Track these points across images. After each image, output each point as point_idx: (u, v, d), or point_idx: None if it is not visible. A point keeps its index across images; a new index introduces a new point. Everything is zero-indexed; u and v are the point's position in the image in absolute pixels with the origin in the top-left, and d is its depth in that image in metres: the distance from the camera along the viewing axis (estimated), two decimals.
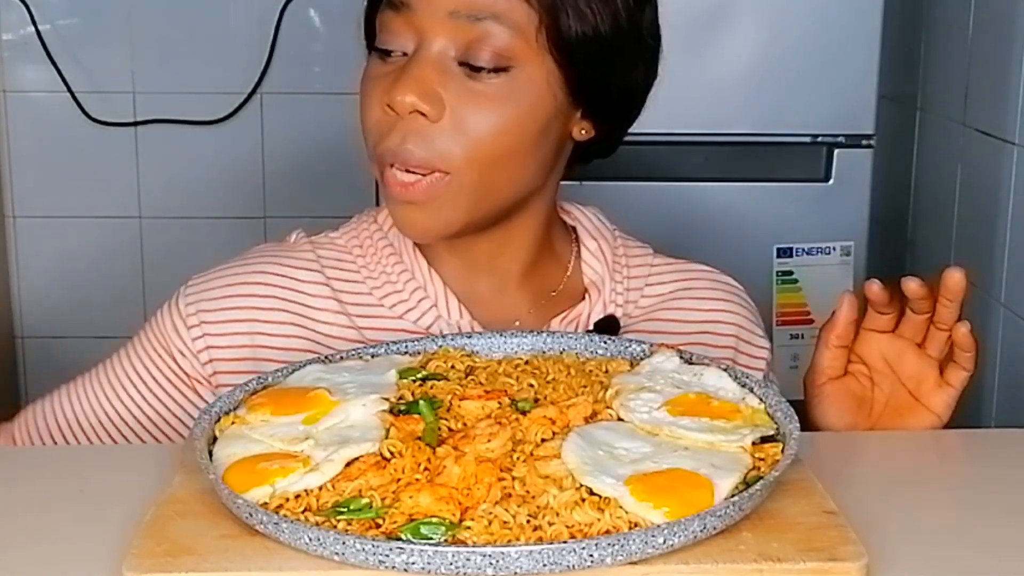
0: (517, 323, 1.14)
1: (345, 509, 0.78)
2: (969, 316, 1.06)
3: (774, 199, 2.15)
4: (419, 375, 0.96)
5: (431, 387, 0.94)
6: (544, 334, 1.04)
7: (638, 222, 1.25)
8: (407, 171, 1.05)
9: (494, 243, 1.14)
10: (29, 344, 2.80)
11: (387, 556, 0.72)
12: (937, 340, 1.08)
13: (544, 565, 0.72)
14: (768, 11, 2.10)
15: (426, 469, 0.82)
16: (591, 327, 1.15)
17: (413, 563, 0.72)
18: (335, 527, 0.76)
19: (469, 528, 0.76)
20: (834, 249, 2.13)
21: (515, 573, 0.72)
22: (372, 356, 1.01)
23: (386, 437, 0.85)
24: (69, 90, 2.69)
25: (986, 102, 2.04)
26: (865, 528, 0.79)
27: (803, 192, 2.16)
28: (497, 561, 0.71)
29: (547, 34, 1.04)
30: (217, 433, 0.89)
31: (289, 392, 0.94)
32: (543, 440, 0.85)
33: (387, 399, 0.91)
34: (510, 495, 0.79)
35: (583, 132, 1.11)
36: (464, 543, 0.75)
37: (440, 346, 1.02)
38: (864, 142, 2.13)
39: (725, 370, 0.96)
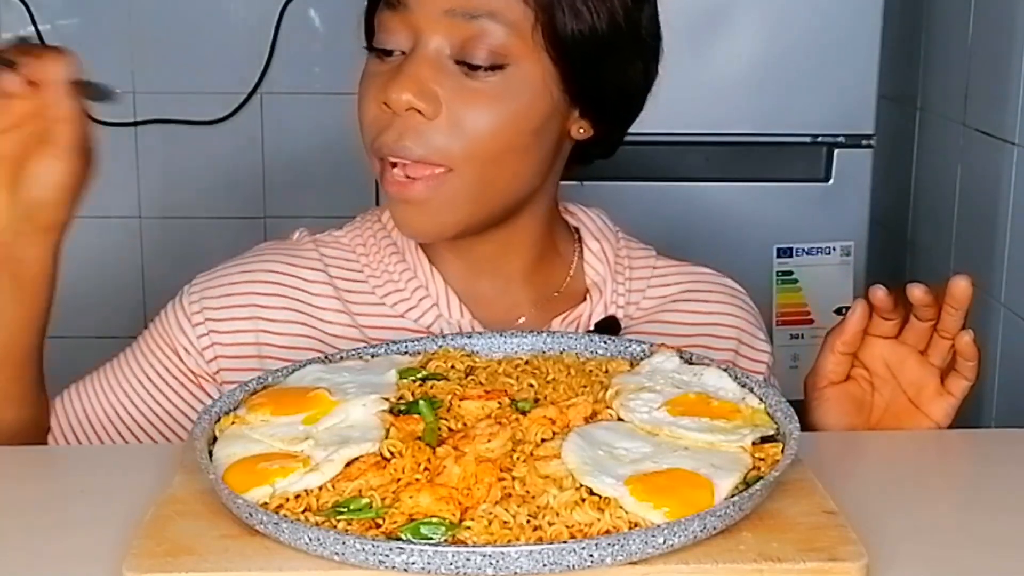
0: (523, 319, 1.15)
1: (345, 509, 0.78)
2: (969, 316, 1.06)
3: (774, 199, 2.15)
4: (419, 375, 0.96)
5: (431, 387, 0.94)
6: (544, 334, 1.04)
7: (638, 222, 1.25)
8: (406, 175, 1.05)
9: (496, 243, 1.14)
10: None
11: (387, 556, 0.72)
12: (940, 348, 1.08)
13: (544, 565, 0.72)
14: (768, 11, 2.10)
15: (426, 469, 0.82)
16: (592, 328, 1.15)
17: (413, 563, 0.72)
18: (335, 527, 0.76)
19: (469, 528, 0.76)
20: (834, 249, 2.14)
21: (515, 573, 0.72)
22: (372, 356, 1.01)
23: (386, 437, 0.85)
24: None
25: (986, 102, 2.04)
26: (865, 528, 0.79)
27: (803, 192, 2.16)
28: (497, 561, 0.71)
29: (543, 32, 1.04)
30: (217, 433, 0.89)
31: (289, 392, 0.94)
32: (543, 440, 0.85)
33: (387, 399, 0.91)
34: (510, 495, 0.79)
35: (581, 131, 1.11)
36: (464, 543, 0.75)
37: (440, 346, 1.02)
38: (864, 142, 2.13)
39: (725, 370, 0.96)
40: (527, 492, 0.79)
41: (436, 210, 1.06)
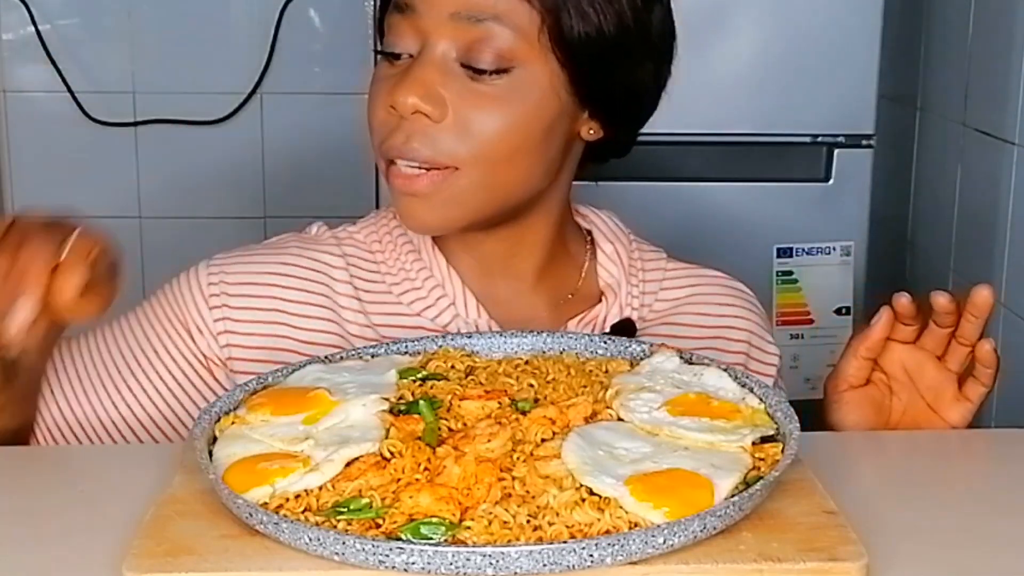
0: (539, 320, 1.15)
1: (345, 509, 0.78)
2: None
3: (774, 199, 2.15)
4: (419, 375, 0.96)
5: (431, 387, 0.94)
6: (544, 334, 1.04)
7: (638, 222, 1.25)
8: (411, 166, 1.05)
9: (507, 242, 1.14)
10: None
11: (387, 556, 0.72)
12: (958, 354, 1.08)
13: (544, 565, 0.72)
14: (768, 11, 2.10)
15: (426, 469, 0.82)
16: (607, 330, 1.15)
17: (413, 563, 0.72)
18: (335, 527, 0.76)
19: (469, 528, 0.76)
20: (834, 249, 2.14)
21: (515, 573, 0.72)
22: (372, 356, 1.01)
23: (386, 437, 0.85)
24: (69, 90, 2.69)
25: (986, 102, 2.04)
26: (865, 528, 0.79)
27: (803, 192, 2.15)
28: (497, 561, 0.71)
29: (549, 35, 1.04)
30: (217, 433, 0.89)
31: (289, 392, 0.94)
32: (543, 440, 0.85)
33: (387, 399, 0.91)
34: (510, 495, 0.79)
35: (591, 132, 1.11)
36: (464, 543, 0.75)
37: (440, 346, 1.02)
38: (864, 142, 2.13)
39: (725, 370, 0.96)
40: (527, 492, 0.79)
41: (441, 204, 1.06)
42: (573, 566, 0.72)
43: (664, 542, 0.74)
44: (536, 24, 1.04)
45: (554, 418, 0.88)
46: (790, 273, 2.14)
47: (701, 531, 0.75)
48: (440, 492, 0.78)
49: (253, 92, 2.72)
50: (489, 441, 0.84)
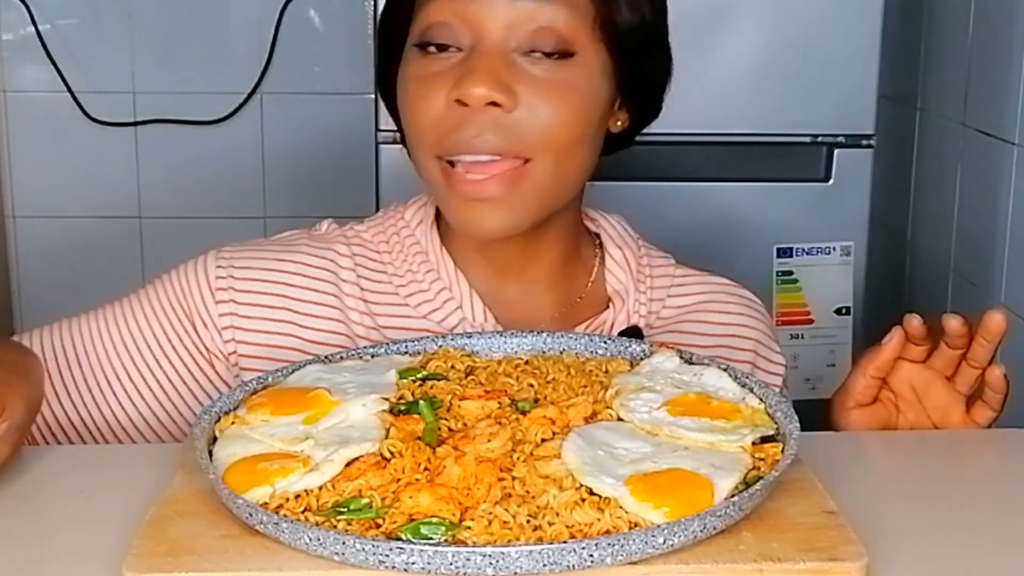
0: (546, 325, 1.14)
1: (345, 509, 0.78)
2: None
3: (774, 199, 2.15)
4: (419, 375, 0.96)
5: (431, 387, 0.94)
6: (544, 334, 1.04)
7: (639, 222, 1.25)
8: (477, 163, 1.03)
9: (527, 244, 1.13)
10: None
11: (387, 556, 0.72)
12: (967, 376, 1.08)
13: (544, 565, 0.72)
14: (768, 11, 2.10)
15: (426, 469, 0.82)
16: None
17: (413, 563, 0.72)
18: (335, 527, 0.76)
19: (469, 528, 0.76)
20: (834, 249, 2.13)
21: (515, 573, 0.72)
22: (372, 356, 1.01)
23: (386, 437, 0.85)
24: (69, 90, 2.69)
25: (986, 102, 2.04)
26: (865, 528, 0.79)
27: (803, 192, 2.15)
28: (497, 561, 0.71)
29: (602, 24, 1.05)
30: (217, 433, 0.89)
31: (289, 392, 0.94)
32: (543, 440, 0.85)
33: (387, 399, 0.91)
34: (510, 495, 0.79)
35: (619, 124, 1.12)
36: (464, 543, 0.75)
37: (440, 346, 1.02)
38: (864, 142, 2.13)
39: (725, 370, 0.96)
40: (527, 492, 0.79)
41: (511, 206, 1.05)
42: (573, 566, 0.72)
43: (664, 542, 0.74)
44: (591, 13, 1.05)
45: (554, 418, 0.88)
46: (790, 273, 2.14)
47: (701, 531, 0.75)
48: (440, 492, 0.78)
49: (253, 92, 2.72)
50: (489, 441, 0.84)
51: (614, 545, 0.72)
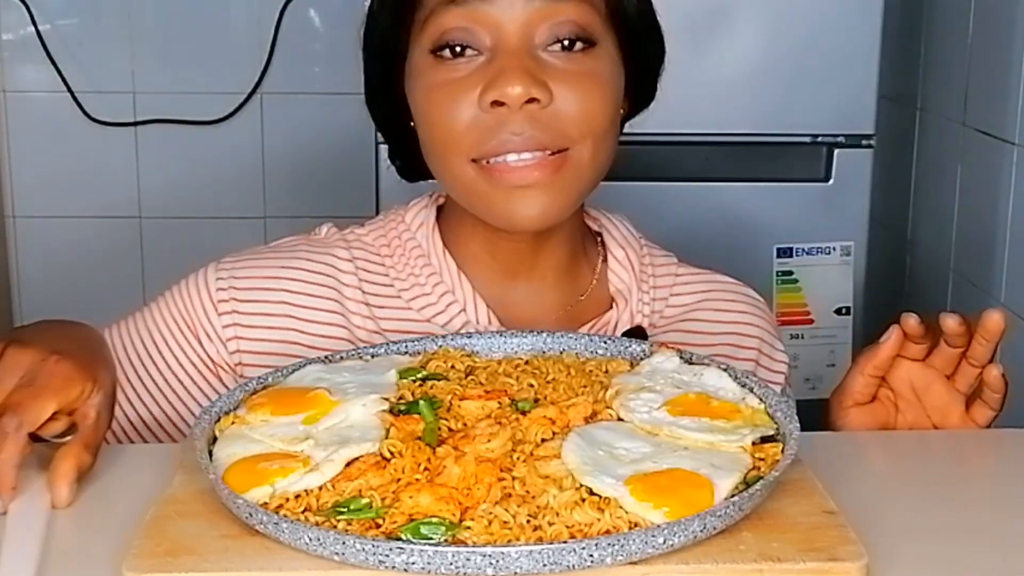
0: (550, 325, 1.13)
1: (345, 509, 0.78)
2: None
3: (774, 199, 2.15)
4: (419, 375, 0.96)
5: (431, 387, 0.94)
6: (544, 334, 1.04)
7: (639, 222, 1.25)
8: (522, 162, 1.03)
9: (536, 242, 1.13)
10: None
11: (387, 556, 0.72)
12: (967, 375, 1.07)
13: (544, 565, 0.72)
14: (768, 11, 2.10)
15: (426, 469, 0.82)
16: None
17: (413, 563, 0.72)
18: (335, 527, 0.76)
19: (469, 528, 0.76)
20: (834, 249, 2.13)
21: (515, 573, 0.72)
22: (372, 356, 1.01)
23: (386, 437, 0.85)
24: (69, 90, 2.69)
25: (986, 102, 2.04)
26: (865, 528, 0.79)
27: (803, 192, 2.15)
28: (497, 561, 0.71)
29: (613, 11, 1.07)
30: (217, 433, 0.89)
31: (289, 392, 0.94)
32: (543, 440, 0.85)
33: (387, 399, 0.91)
34: (510, 495, 0.79)
35: (621, 112, 1.12)
36: (464, 543, 0.75)
37: (440, 346, 1.02)
38: (864, 142, 2.13)
39: (725, 370, 0.96)
40: (527, 492, 0.79)
41: (557, 191, 1.05)
42: (573, 566, 0.72)
43: (664, 542, 0.74)
44: (601, 3, 1.06)
45: (554, 418, 0.88)
46: (790, 273, 2.14)
47: (701, 531, 0.75)
48: (440, 492, 0.78)
49: (253, 92, 2.72)
50: (489, 441, 0.84)
51: (614, 545, 0.72)
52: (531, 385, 0.94)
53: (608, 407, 0.91)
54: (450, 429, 0.87)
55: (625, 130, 1.18)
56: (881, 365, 1.08)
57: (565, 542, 0.73)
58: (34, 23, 2.67)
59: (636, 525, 0.76)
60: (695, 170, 2.14)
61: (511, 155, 1.03)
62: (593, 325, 1.16)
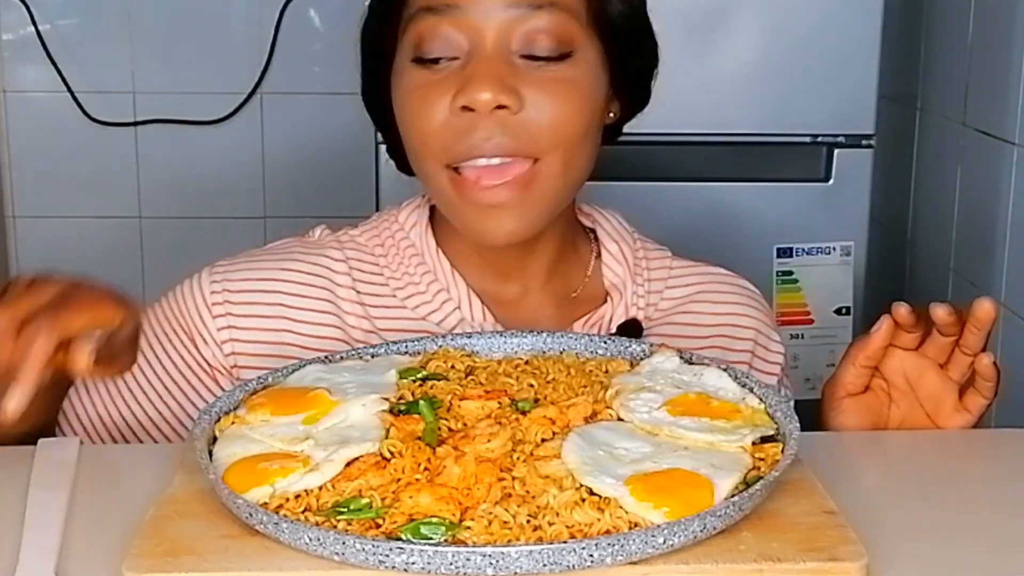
0: (545, 321, 1.15)
1: (345, 509, 0.78)
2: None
3: (774, 199, 2.15)
4: (419, 375, 0.96)
5: (431, 387, 0.94)
6: (544, 334, 1.04)
7: (638, 222, 1.25)
8: (489, 169, 1.04)
9: (524, 244, 1.13)
10: None
11: (387, 556, 0.72)
12: (960, 363, 1.07)
13: (544, 565, 0.72)
14: (768, 11, 2.10)
15: (426, 469, 0.82)
16: (613, 330, 1.15)
17: (413, 563, 0.72)
18: (335, 527, 0.76)
19: (469, 528, 0.76)
20: (834, 249, 2.13)
21: (515, 573, 0.72)
22: (372, 356, 1.01)
23: (386, 437, 0.85)
24: (69, 90, 2.69)
25: (986, 102, 2.04)
26: (865, 528, 0.79)
27: (803, 192, 2.15)
28: (497, 561, 0.71)
29: (594, 16, 1.06)
30: (217, 433, 0.89)
31: (289, 392, 0.94)
32: (543, 440, 0.85)
33: (387, 399, 0.91)
34: (510, 495, 0.79)
35: (612, 115, 1.13)
36: (464, 543, 0.75)
37: (440, 346, 1.02)
38: (864, 142, 2.13)
39: (725, 370, 0.96)
40: (527, 492, 0.79)
41: (525, 209, 1.06)
42: (573, 566, 0.72)
43: (664, 542, 0.74)
44: (584, 8, 1.06)
45: (554, 418, 0.88)
46: (790, 273, 2.14)
47: (701, 531, 0.75)
48: (440, 492, 0.78)
49: (253, 92, 2.72)
50: (489, 441, 0.84)
51: (614, 545, 0.72)
52: (531, 385, 0.94)
53: (608, 407, 0.91)
54: (450, 429, 0.87)
55: (624, 130, 1.18)
56: (873, 355, 1.08)
57: (565, 542, 0.73)
58: (34, 23, 2.67)
59: (636, 525, 0.76)
60: (695, 170, 2.14)
61: (480, 159, 1.04)
62: (588, 319, 1.16)
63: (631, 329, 1.15)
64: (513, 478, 0.80)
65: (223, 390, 1.11)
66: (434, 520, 0.76)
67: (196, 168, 2.76)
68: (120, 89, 2.72)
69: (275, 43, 2.70)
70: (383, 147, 1.23)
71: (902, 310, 1.06)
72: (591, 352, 1.02)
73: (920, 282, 2.35)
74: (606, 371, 0.98)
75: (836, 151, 2.13)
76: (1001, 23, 1.97)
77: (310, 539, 0.74)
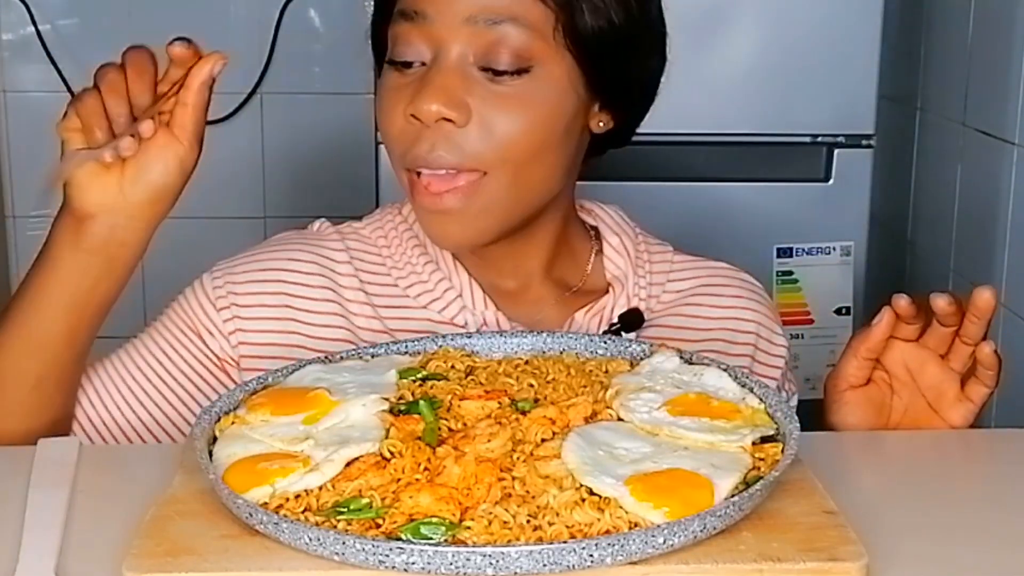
0: (546, 310, 1.15)
1: (345, 509, 0.78)
2: (991, 325, 1.06)
3: (774, 199, 2.15)
4: (419, 375, 0.96)
5: (431, 387, 0.94)
6: (544, 334, 1.04)
7: (639, 221, 1.25)
8: (436, 176, 1.05)
9: (516, 245, 1.14)
10: None
11: (387, 556, 0.72)
12: (961, 353, 1.07)
13: (544, 565, 0.72)
14: (768, 11, 2.10)
15: (426, 469, 0.82)
16: (615, 320, 1.16)
17: (413, 563, 0.72)
18: (335, 527, 0.76)
19: (469, 528, 0.76)
20: (834, 249, 2.13)
21: (515, 573, 0.72)
22: (372, 356, 1.01)
23: (386, 437, 0.85)
24: (69, 90, 2.69)
25: (986, 102, 2.04)
26: (865, 528, 0.79)
27: (803, 192, 2.15)
28: (497, 561, 0.71)
29: (564, 32, 1.05)
30: (217, 433, 0.89)
31: (289, 392, 0.94)
32: (543, 440, 0.85)
33: (387, 399, 0.91)
34: (510, 495, 0.79)
35: (601, 124, 1.12)
36: (464, 543, 0.75)
37: (440, 346, 1.02)
38: (864, 142, 2.13)
39: (725, 370, 0.96)
40: (527, 492, 0.79)
41: (472, 218, 1.06)
42: (573, 566, 0.72)
43: (664, 542, 0.74)
44: (551, 22, 1.04)
45: (554, 418, 0.88)
46: (790, 273, 2.14)
47: (701, 531, 0.75)
48: (440, 492, 0.78)
49: (253, 92, 2.72)
50: (489, 441, 0.84)
51: (614, 545, 0.72)
52: (531, 385, 0.94)
53: (608, 407, 0.91)
54: (450, 429, 0.87)
55: None
56: (874, 347, 1.09)
57: (565, 542, 0.73)
58: (34, 23, 2.67)
59: (636, 525, 0.76)
60: (695, 170, 2.14)
61: (425, 169, 1.05)
62: (590, 309, 1.17)
63: (632, 319, 1.15)
64: (513, 478, 0.80)
65: (233, 382, 1.12)
66: (434, 520, 0.76)
67: (196, 168, 2.75)
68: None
69: (275, 43, 2.70)
70: (383, 147, 1.23)
71: (902, 301, 1.06)
72: (591, 352, 1.02)
73: (920, 282, 2.35)
74: (606, 371, 0.98)
75: (836, 151, 2.13)
76: (1001, 23, 1.97)
77: (310, 539, 0.74)
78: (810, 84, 2.11)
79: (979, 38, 2.07)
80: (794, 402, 1.24)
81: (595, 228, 1.22)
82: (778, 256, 2.13)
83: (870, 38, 2.09)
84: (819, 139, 2.13)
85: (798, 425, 0.86)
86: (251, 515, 0.76)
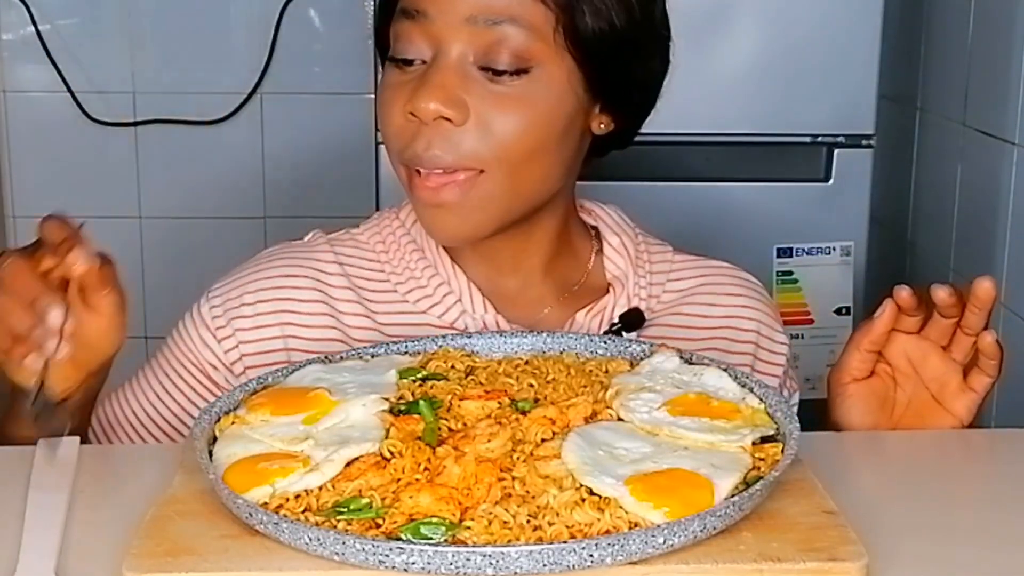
0: (547, 311, 1.16)
1: (345, 509, 0.78)
2: (991, 316, 1.06)
3: (774, 199, 2.15)
4: (419, 375, 0.96)
5: (431, 387, 0.94)
6: (544, 334, 1.04)
7: (639, 221, 1.25)
8: (434, 172, 1.05)
9: (516, 241, 1.14)
10: None
11: (387, 556, 0.72)
12: (962, 344, 1.08)
13: (544, 565, 0.72)
14: (768, 11, 2.10)
15: (426, 469, 0.82)
16: (615, 320, 1.16)
17: (413, 563, 0.72)
18: (335, 527, 0.76)
19: (469, 528, 0.76)
20: (834, 249, 2.13)
21: (515, 573, 0.72)
22: (372, 356, 1.01)
23: (386, 437, 0.85)
24: (69, 90, 2.69)
25: (986, 102, 2.04)
26: (865, 528, 0.79)
27: (803, 192, 2.15)
28: (497, 561, 0.71)
29: (564, 33, 1.05)
30: (217, 433, 0.89)
31: (289, 392, 0.94)
32: (543, 440, 0.85)
33: (387, 399, 0.91)
34: (510, 495, 0.79)
35: (602, 126, 1.12)
36: (464, 543, 0.75)
37: (440, 346, 1.02)
38: (864, 142, 2.13)
39: (725, 370, 0.96)
40: (527, 492, 0.79)
41: (469, 211, 1.07)
42: (573, 566, 0.72)
43: (664, 542, 0.74)
44: (551, 23, 1.04)
45: (554, 418, 0.88)
46: (790, 273, 2.14)
47: (701, 531, 0.75)
48: (440, 492, 0.78)
49: (253, 92, 2.72)
50: (489, 441, 0.84)
51: (614, 545, 0.72)
52: (531, 385, 0.94)
53: (608, 407, 0.91)
54: (450, 429, 0.87)
55: None
56: (876, 340, 1.09)
57: (565, 542, 0.73)
58: (34, 23, 2.67)
59: (636, 525, 0.76)
60: (695, 170, 2.14)
61: (422, 167, 1.06)
62: (590, 310, 1.17)
63: (633, 318, 1.16)
64: (513, 478, 0.80)
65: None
66: (434, 520, 0.76)
67: (196, 168, 2.75)
68: (120, 89, 2.72)
69: (275, 43, 2.70)
70: (383, 147, 1.23)
71: (904, 293, 1.06)
72: (591, 352, 1.02)
73: (920, 282, 2.33)
74: (606, 371, 0.98)
75: (836, 151, 2.13)
76: (1001, 23, 1.97)
77: (310, 539, 0.74)
78: (810, 84, 2.11)
79: (979, 38, 2.07)
80: (795, 401, 1.24)
81: (595, 228, 1.22)
82: (778, 256, 2.13)
83: (870, 38, 2.09)
84: (819, 139, 2.13)
85: (798, 425, 0.86)
86: (251, 515, 0.76)
